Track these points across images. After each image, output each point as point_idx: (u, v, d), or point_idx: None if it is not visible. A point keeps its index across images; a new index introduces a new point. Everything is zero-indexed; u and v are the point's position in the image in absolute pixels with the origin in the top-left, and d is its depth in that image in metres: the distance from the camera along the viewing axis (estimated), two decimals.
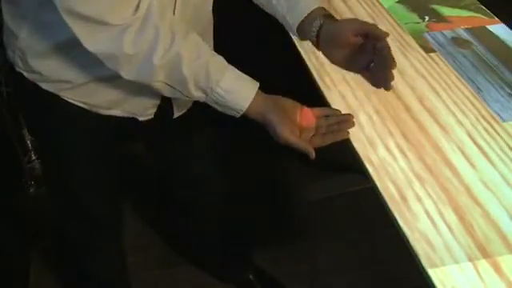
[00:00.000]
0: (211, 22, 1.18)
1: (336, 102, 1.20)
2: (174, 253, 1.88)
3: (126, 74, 0.96)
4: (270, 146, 1.01)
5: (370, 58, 1.00)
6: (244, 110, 0.99)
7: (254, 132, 1.03)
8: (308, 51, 1.31)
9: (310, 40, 1.07)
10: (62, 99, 1.10)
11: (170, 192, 1.61)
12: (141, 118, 1.18)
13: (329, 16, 1.05)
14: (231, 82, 0.98)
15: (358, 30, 1.00)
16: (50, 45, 1.03)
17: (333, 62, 1.06)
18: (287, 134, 0.98)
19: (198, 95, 0.99)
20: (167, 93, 1.00)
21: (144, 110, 1.17)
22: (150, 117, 1.19)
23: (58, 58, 1.04)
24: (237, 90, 0.98)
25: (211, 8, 1.15)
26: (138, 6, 0.90)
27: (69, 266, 1.62)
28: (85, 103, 1.11)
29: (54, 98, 1.10)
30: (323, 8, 1.07)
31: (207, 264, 1.81)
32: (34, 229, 1.91)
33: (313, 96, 1.19)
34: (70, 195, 1.33)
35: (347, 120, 1.01)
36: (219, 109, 1.00)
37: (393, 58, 0.96)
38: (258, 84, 1.00)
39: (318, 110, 1.03)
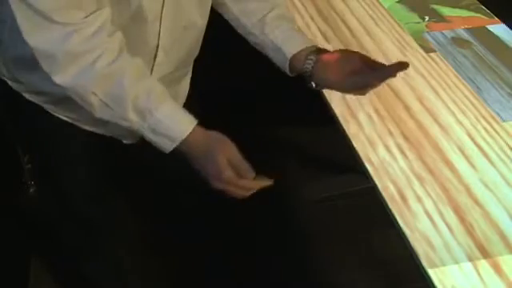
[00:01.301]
0: (199, 43, 1.16)
1: (336, 101, 1.20)
2: (173, 253, 1.88)
3: (61, 77, 0.90)
4: (269, 145, 1.00)
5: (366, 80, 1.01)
6: (185, 136, 0.94)
7: (252, 131, 1.03)
8: None
9: (303, 70, 1.04)
10: (47, 111, 1.09)
11: (166, 193, 1.61)
12: (125, 141, 1.16)
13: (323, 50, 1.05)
14: (173, 108, 0.95)
15: (362, 58, 1.00)
16: (29, 52, 1.01)
17: (332, 87, 1.05)
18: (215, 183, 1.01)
19: (132, 118, 0.93)
20: (98, 112, 0.94)
21: (128, 134, 1.14)
22: (136, 140, 1.16)
23: (38, 69, 1.03)
24: (178, 116, 0.95)
25: (203, 29, 1.13)
26: (91, 14, 0.88)
27: (68, 267, 1.62)
28: (68, 117, 1.10)
29: (38, 109, 1.08)
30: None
31: (206, 264, 1.81)
32: (34, 229, 1.91)
33: (312, 95, 1.19)
34: (61, 198, 1.32)
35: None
36: (152, 139, 0.95)
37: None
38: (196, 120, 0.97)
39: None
